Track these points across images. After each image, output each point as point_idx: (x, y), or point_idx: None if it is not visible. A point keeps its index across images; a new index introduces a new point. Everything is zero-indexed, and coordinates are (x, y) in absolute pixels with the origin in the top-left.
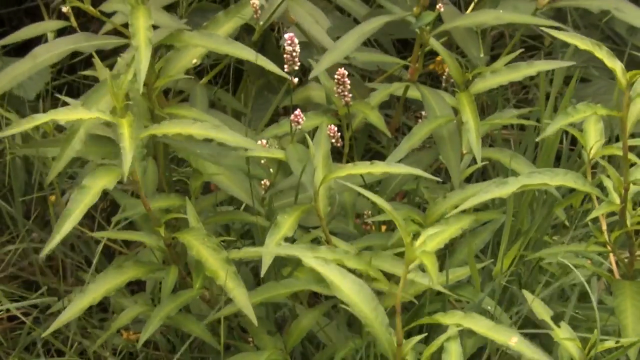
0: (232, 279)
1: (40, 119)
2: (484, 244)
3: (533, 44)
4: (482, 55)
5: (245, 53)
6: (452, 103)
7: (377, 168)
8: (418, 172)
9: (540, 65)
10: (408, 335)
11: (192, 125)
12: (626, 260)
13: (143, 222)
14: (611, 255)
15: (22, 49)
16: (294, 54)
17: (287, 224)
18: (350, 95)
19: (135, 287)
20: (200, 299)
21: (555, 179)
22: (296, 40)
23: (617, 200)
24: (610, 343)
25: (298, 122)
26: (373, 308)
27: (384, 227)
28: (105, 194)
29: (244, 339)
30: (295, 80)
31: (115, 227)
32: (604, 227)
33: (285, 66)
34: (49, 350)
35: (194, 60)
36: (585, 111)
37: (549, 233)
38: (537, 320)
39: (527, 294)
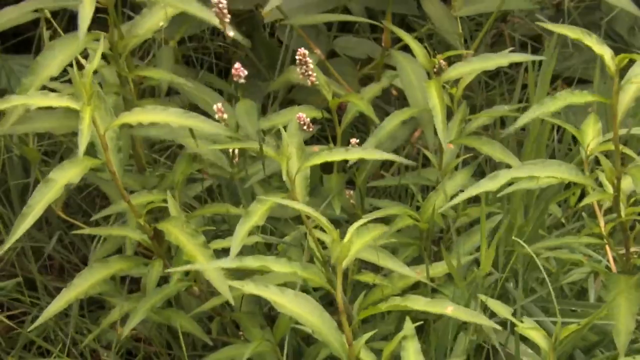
0: (209, 261)
1: (14, 100)
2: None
3: (533, 45)
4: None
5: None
6: None
7: (353, 154)
8: (394, 157)
9: (513, 57)
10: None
11: (164, 112)
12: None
13: None
14: (608, 250)
15: (21, 47)
16: (221, 5)
17: (259, 212)
18: (315, 75)
19: (134, 287)
20: (190, 294)
21: (548, 170)
22: None
23: (611, 190)
24: (573, 326)
25: (240, 76)
26: (318, 316)
27: None
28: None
29: (236, 335)
30: (231, 33)
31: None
32: (602, 221)
33: (218, 21)
34: (48, 349)
35: (161, 23)
36: (565, 99)
37: (545, 231)
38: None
39: (481, 296)
